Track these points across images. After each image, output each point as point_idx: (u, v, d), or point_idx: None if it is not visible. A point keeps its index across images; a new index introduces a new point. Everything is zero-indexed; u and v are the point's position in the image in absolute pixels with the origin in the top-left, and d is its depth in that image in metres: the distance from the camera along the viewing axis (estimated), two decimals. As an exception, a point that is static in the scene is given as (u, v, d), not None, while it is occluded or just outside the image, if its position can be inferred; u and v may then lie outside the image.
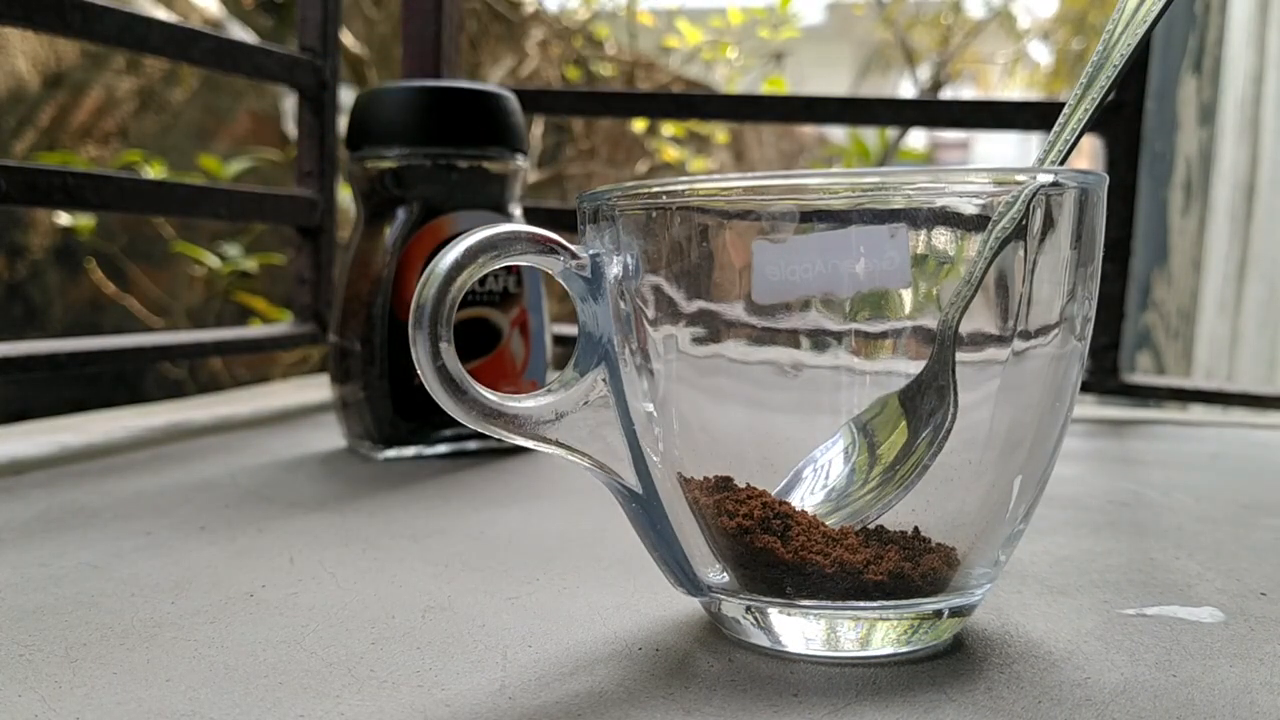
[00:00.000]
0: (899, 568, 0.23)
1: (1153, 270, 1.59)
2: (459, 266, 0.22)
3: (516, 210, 0.48)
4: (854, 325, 0.22)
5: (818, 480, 0.24)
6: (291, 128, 1.54)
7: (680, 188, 0.23)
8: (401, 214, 0.45)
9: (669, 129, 2.08)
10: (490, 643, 0.25)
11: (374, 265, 0.45)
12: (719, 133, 2.28)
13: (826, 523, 0.23)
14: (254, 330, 0.61)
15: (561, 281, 0.24)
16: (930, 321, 0.22)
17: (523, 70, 1.92)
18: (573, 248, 0.24)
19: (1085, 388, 0.63)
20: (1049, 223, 0.23)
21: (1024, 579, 0.30)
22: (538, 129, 1.82)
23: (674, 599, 0.28)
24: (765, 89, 2.16)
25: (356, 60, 1.53)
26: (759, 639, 0.25)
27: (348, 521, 0.36)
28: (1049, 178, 0.22)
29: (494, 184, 0.46)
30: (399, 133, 0.45)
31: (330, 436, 0.50)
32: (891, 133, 2.37)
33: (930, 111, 0.70)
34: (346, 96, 0.63)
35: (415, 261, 0.45)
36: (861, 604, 0.23)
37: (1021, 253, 0.22)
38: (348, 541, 0.33)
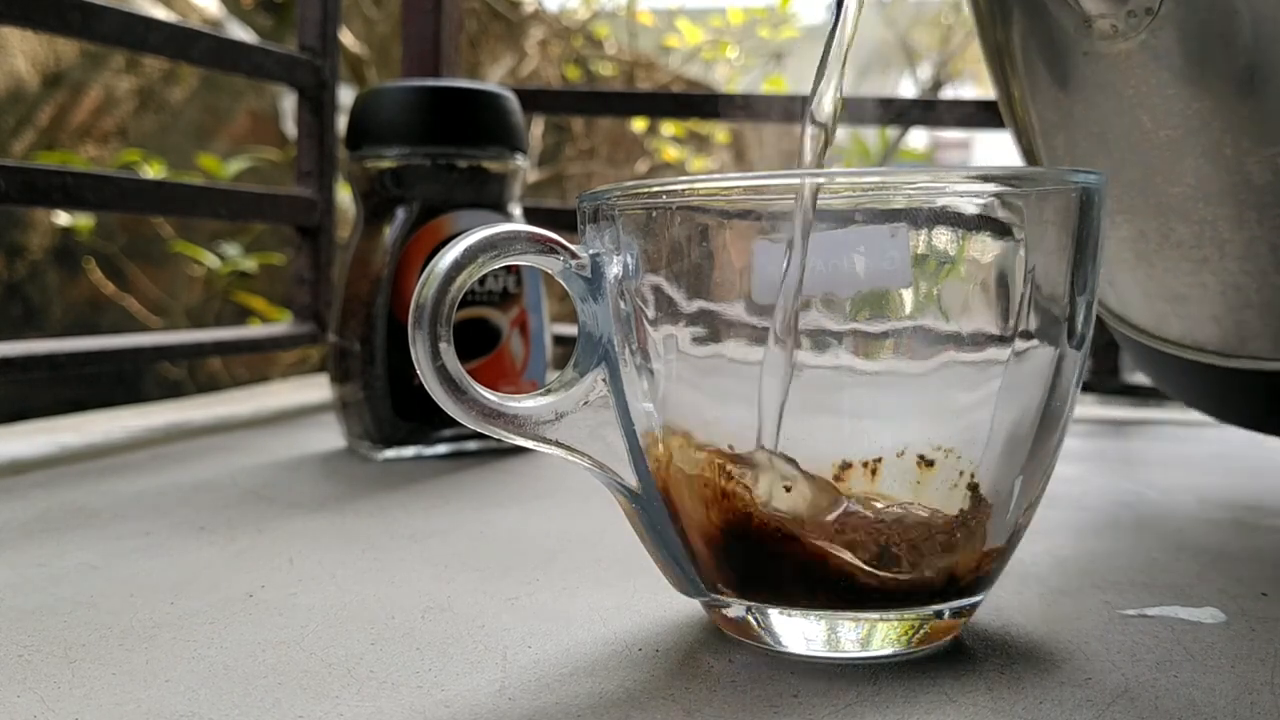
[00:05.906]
0: (899, 568, 0.23)
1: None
2: (459, 266, 0.22)
3: (516, 210, 0.48)
4: (854, 325, 0.22)
5: None
6: (291, 127, 1.54)
7: (680, 187, 0.23)
8: (401, 214, 0.45)
9: (669, 129, 2.08)
10: (490, 643, 0.25)
11: (373, 265, 0.45)
12: (719, 133, 2.28)
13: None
14: (253, 330, 0.61)
15: (561, 281, 0.24)
16: (931, 322, 0.22)
17: (522, 70, 1.92)
18: (573, 248, 0.24)
19: (1085, 388, 0.63)
20: (1049, 222, 0.22)
21: (1024, 579, 0.30)
22: (538, 129, 1.82)
23: (674, 599, 0.28)
24: (765, 89, 2.16)
25: (356, 60, 1.53)
26: (759, 639, 0.25)
27: (347, 522, 0.35)
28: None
29: (494, 184, 0.46)
30: (399, 132, 0.45)
31: (330, 436, 0.50)
32: (891, 133, 2.37)
33: (930, 111, 0.69)
34: (346, 96, 0.63)
35: (415, 261, 0.45)
36: (862, 604, 0.23)
37: (1022, 252, 0.22)
38: (348, 542, 0.33)
